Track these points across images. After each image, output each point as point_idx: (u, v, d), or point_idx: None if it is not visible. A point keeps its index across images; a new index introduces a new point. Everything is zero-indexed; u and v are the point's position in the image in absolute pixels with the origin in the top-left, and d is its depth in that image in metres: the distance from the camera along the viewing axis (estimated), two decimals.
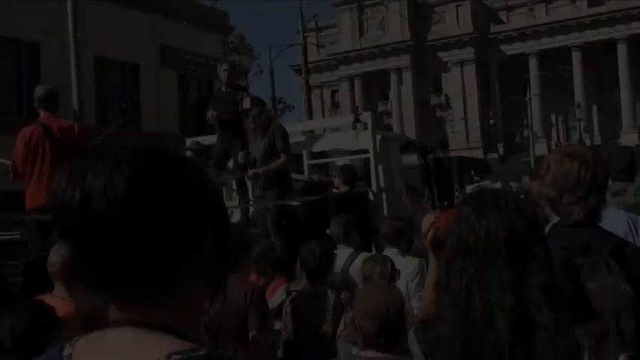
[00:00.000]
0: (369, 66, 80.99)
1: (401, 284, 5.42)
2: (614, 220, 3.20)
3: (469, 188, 38.62)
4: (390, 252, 6.00)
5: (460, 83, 78.27)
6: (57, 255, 4.13)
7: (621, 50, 72.30)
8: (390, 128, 66.63)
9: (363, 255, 6.02)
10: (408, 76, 79.42)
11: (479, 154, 73.71)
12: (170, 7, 27.30)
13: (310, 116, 26.61)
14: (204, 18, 29.32)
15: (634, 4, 71.69)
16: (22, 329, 3.27)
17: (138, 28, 25.57)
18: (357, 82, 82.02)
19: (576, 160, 2.69)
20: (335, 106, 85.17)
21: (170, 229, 1.11)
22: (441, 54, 79.06)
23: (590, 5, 74.96)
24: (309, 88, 25.89)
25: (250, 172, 8.01)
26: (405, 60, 79.02)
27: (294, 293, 5.13)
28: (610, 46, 72.75)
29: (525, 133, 56.42)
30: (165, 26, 26.95)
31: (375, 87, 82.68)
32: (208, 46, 29.22)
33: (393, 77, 79.94)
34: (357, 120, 10.13)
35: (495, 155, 75.97)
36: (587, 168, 2.67)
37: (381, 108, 79.13)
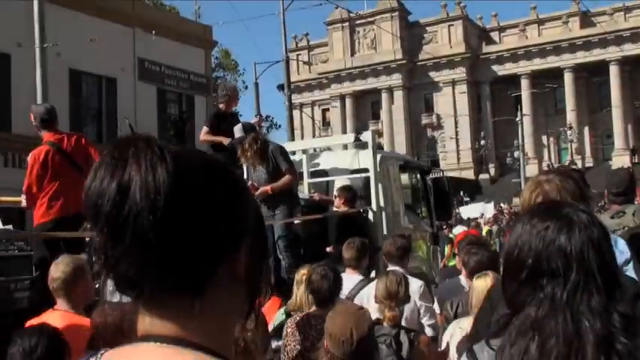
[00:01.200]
0: (361, 85, 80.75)
1: (410, 304, 5.50)
2: None
3: (462, 209, 38.32)
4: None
5: (452, 103, 77.98)
6: (58, 271, 4.20)
7: (613, 71, 72.16)
8: (380, 147, 66.01)
9: (371, 285, 5.78)
10: (399, 95, 79.11)
11: (470, 174, 73.52)
12: (150, 21, 26.71)
13: (292, 134, 25.95)
14: (186, 32, 28.73)
15: (626, 26, 71.75)
16: (40, 353, 3.29)
17: (116, 41, 24.94)
18: (348, 101, 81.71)
19: (538, 190, 2.67)
20: (326, 124, 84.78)
21: (208, 228, 1.06)
22: (432, 73, 78.83)
23: (582, 27, 74.98)
24: (291, 105, 25.24)
25: (259, 190, 7.80)
26: (396, 79, 78.76)
27: (298, 315, 5.08)
28: (602, 67, 72.62)
29: (516, 154, 55.78)
30: (144, 40, 26.33)
31: (366, 106, 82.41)
32: (190, 61, 28.62)
33: (385, 96, 79.62)
34: (357, 139, 10.19)
35: (486, 176, 75.65)
36: (538, 194, 2.64)
37: (372, 127, 78.50)
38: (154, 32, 23.11)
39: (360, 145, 10.20)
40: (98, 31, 23.96)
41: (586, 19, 75.14)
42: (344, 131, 77.55)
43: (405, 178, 11.65)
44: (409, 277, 5.86)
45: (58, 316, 4.03)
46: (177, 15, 35.14)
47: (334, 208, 9.09)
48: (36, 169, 6.83)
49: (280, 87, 25.93)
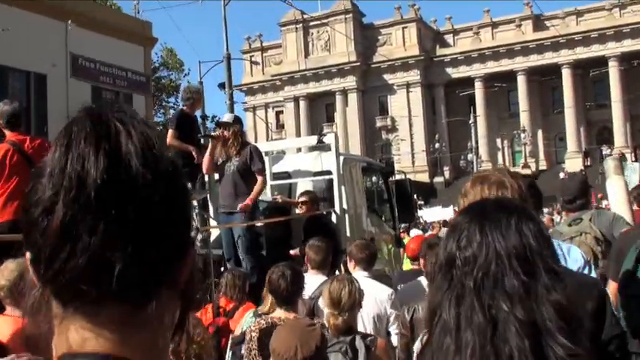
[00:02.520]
0: (315, 87, 79.87)
1: (375, 309, 5.51)
2: (571, 259, 3.02)
3: (424, 212, 37.80)
4: (360, 275, 5.89)
5: (406, 105, 77.52)
6: (3, 278, 4.09)
7: (565, 75, 72.45)
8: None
9: None
10: (353, 97, 78.38)
11: (425, 177, 73.13)
12: (85, 15, 25.33)
13: None
14: (124, 28, 27.42)
15: (577, 29, 72.16)
16: None
17: (46, 36, 23.53)
18: (302, 103, 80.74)
19: (477, 182, 2.56)
20: (280, 127, 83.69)
21: (171, 229, 0.95)
22: (386, 76, 78.29)
23: (535, 30, 75.22)
24: (232, 104, 24.14)
25: (241, 205, 7.90)
26: (350, 81, 78.03)
27: (263, 319, 4.91)
28: (554, 70, 72.89)
29: (470, 156, 55.46)
30: (78, 35, 24.94)
31: (321, 108, 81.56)
32: (129, 58, 27.31)
33: (339, 98, 78.83)
34: (320, 141, 10.17)
35: (441, 179, 75.35)
36: (490, 184, 2.51)
37: (326, 130, 77.59)
38: (69, 22, 21.67)
39: (322, 147, 10.26)
40: (26, 24, 22.58)
41: (539, 23, 75.36)
42: (298, 134, 76.73)
43: (367, 180, 11.81)
44: (376, 283, 6.04)
45: (7, 322, 3.95)
46: (114, 10, 33.74)
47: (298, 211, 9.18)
48: None
49: (221, 85, 24.76)
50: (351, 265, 6.41)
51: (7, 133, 6.94)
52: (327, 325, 4.54)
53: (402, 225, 15.24)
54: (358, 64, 76.97)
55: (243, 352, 4.92)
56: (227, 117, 8.74)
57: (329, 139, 10.04)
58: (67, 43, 24.67)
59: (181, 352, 3.33)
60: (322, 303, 4.95)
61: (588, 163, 67.01)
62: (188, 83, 43.88)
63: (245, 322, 5.37)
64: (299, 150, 12.40)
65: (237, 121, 8.61)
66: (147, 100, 28.44)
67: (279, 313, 4.91)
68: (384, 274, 9.25)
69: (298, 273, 5.08)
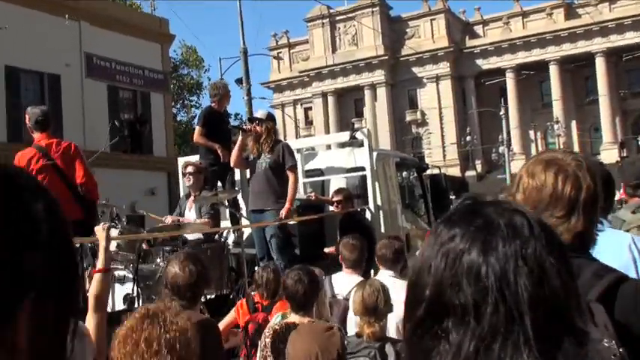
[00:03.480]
0: (343, 82, 79.02)
1: (397, 311, 4.95)
2: (610, 247, 2.47)
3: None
4: (385, 274, 5.79)
5: (436, 99, 76.33)
6: None
7: (599, 63, 70.64)
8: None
9: None
10: (382, 91, 77.37)
11: (456, 171, 71.82)
12: (99, 14, 24.93)
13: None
14: (140, 25, 26.95)
15: (611, 17, 70.29)
16: None
17: (60, 36, 23.15)
18: (330, 99, 79.97)
19: (551, 170, 2.21)
20: (309, 123, 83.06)
21: None
22: (415, 69, 77.14)
23: (566, 18, 73.48)
24: (250, 100, 23.47)
25: (284, 212, 7.88)
26: (379, 75, 77.02)
27: (277, 324, 4.78)
28: (588, 59, 71.13)
29: (501, 149, 54.23)
30: (92, 34, 24.55)
31: (349, 103, 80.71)
32: (145, 56, 26.86)
33: (367, 93, 77.87)
34: (353, 137, 10.07)
35: (473, 173, 74.01)
36: (567, 179, 2.18)
37: (355, 125, 77.02)
38: (67, 16, 21.19)
39: (354, 143, 10.25)
40: (38, 24, 22.22)
41: (571, 11, 73.62)
42: (327, 130, 76.05)
43: (401, 175, 11.65)
44: (403, 282, 5.55)
45: None
46: (129, 8, 33.34)
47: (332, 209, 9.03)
48: None
49: (239, 81, 24.15)
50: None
51: (37, 135, 7.04)
52: (360, 332, 4.46)
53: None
54: (386, 57, 75.93)
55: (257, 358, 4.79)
56: (260, 113, 8.59)
57: (361, 134, 9.94)
58: (81, 43, 24.29)
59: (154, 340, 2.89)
60: (353, 309, 4.73)
61: (625, 154, 65.18)
62: (209, 80, 43.63)
63: (274, 323, 5.12)
64: (329, 147, 12.25)
65: (271, 118, 8.48)
66: (165, 98, 27.96)
67: (294, 318, 4.72)
68: None
69: (315, 277, 4.87)
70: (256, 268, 7.69)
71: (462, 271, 1.14)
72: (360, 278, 5.95)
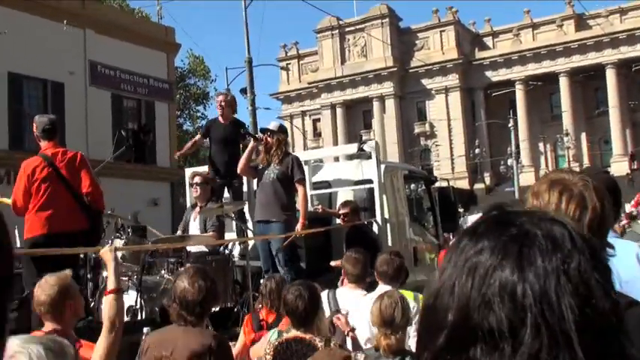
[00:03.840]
0: (352, 93, 78.80)
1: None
2: (618, 257, 1.91)
3: (470, 218, 36.53)
4: (383, 289, 5.60)
5: (445, 111, 75.97)
6: (43, 294, 4.08)
7: (610, 75, 70.19)
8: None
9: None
10: (391, 103, 77.10)
11: (464, 184, 71.35)
12: (104, 21, 24.76)
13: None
14: (146, 34, 26.77)
15: (621, 28, 69.88)
16: None
17: (64, 43, 22.97)
18: (339, 110, 79.75)
19: (556, 189, 2.18)
20: (317, 135, 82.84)
21: None
22: (424, 81, 76.85)
23: (577, 30, 73.12)
24: (254, 110, 23.22)
25: (299, 227, 7.91)
26: (387, 87, 76.77)
27: (277, 340, 4.70)
28: (598, 71, 70.70)
29: (510, 161, 53.76)
30: (97, 42, 24.38)
31: (358, 115, 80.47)
32: (151, 65, 26.66)
33: (376, 105, 77.61)
34: (360, 149, 9.97)
35: (482, 185, 73.51)
36: (571, 198, 2.15)
37: (364, 137, 76.77)
38: (65, 22, 20.98)
39: (362, 155, 10.09)
40: (42, 31, 22.05)
41: (581, 22, 73.19)
42: (335, 141, 75.84)
43: (409, 188, 11.66)
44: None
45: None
46: (134, 16, 33.19)
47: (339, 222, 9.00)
48: (22, 182, 6.85)
49: (243, 91, 23.93)
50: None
51: (43, 143, 7.02)
52: (378, 345, 4.46)
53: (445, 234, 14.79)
54: (395, 69, 75.73)
55: None
56: (273, 125, 8.49)
57: (369, 147, 9.86)
58: (85, 50, 24.11)
59: None
60: (371, 321, 4.70)
61: (635, 167, 64.62)
62: (215, 91, 43.47)
63: (270, 338, 5.03)
64: (336, 159, 12.27)
65: (282, 130, 8.46)
66: (170, 107, 27.73)
67: (295, 334, 4.63)
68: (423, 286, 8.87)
69: (316, 292, 4.77)
70: (261, 280, 7.66)
71: (494, 290, 0.94)
72: (363, 292, 5.96)
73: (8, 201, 7.26)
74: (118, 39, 25.05)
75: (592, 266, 0.96)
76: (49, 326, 4.06)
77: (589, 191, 2.16)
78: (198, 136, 10.14)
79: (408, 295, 5.75)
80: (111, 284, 4.15)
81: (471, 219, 37.38)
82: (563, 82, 72.23)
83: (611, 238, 2.68)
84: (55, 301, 4.03)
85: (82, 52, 23.97)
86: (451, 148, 75.69)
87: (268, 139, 8.15)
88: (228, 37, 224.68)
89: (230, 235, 9.17)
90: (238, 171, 8.59)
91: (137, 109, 26.31)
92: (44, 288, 4.10)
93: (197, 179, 8.63)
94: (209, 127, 9.63)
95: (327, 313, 5.71)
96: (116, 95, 25.22)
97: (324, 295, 5.88)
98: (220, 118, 9.47)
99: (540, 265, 0.94)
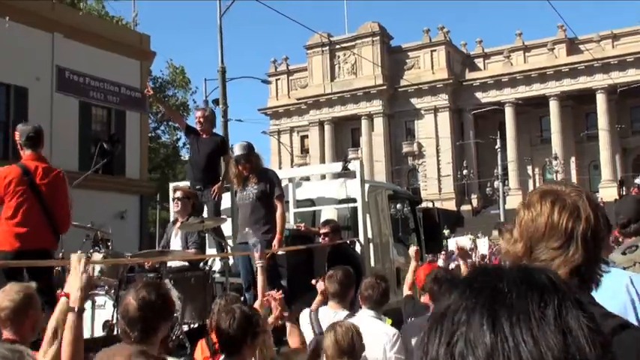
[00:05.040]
0: (340, 111, 78.10)
1: (378, 351, 5.20)
2: (606, 286, 2.20)
3: (451, 241, 35.80)
4: (366, 314, 5.68)
5: (434, 131, 75.28)
6: (5, 299, 3.99)
7: (600, 100, 69.76)
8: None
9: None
10: (379, 122, 76.41)
11: (452, 205, 70.69)
12: (74, 26, 23.83)
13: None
14: (119, 40, 25.85)
15: (613, 53, 69.57)
16: None
17: (29, 47, 22.05)
18: (327, 128, 79.00)
19: (548, 199, 2.11)
20: (305, 151, 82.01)
21: None
22: (414, 100, 76.23)
23: (568, 54, 72.74)
24: (227, 122, 22.30)
25: (275, 242, 7.81)
26: (376, 105, 76.14)
27: None
28: (589, 95, 70.27)
29: (496, 183, 53.03)
30: (66, 47, 23.45)
31: (346, 133, 79.75)
32: (123, 73, 25.71)
33: (365, 123, 76.91)
34: (345, 168, 9.96)
35: (469, 207, 72.81)
36: (564, 208, 2.08)
37: (351, 155, 75.93)
38: (7, 18, 20.02)
39: (347, 174, 10.10)
40: (8, 34, 21.09)
41: (573, 46, 72.80)
42: (322, 158, 75.08)
43: (393, 208, 11.88)
44: (383, 320, 5.78)
45: None
46: (108, 21, 32.28)
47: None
48: None
49: (216, 102, 23.03)
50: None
51: (27, 152, 6.76)
52: None
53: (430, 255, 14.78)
54: (385, 87, 75.15)
55: None
56: (238, 148, 8.24)
57: (354, 166, 9.85)
58: (53, 55, 23.18)
59: None
60: (327, 355, 4.51)
61: (624, 192, 63.92)
62: (195, 103, 42.55)
63: None
64: (323, 177, 12.23)
65: (251, 148, 8.22)
66: (142, 117, 26.78)
67: None
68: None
69: (248, 315, 4.32)
70: (242, 298, 7.76)
71: (480, 354, 0.87)
72: (345, 312, 5.82)
73: None
74: (89, 44, 24.13)
75: (577, 309, 0.89)
76: (6, 334, 3.92)
77: (582, 201, 2.10)
78: (180, 119, 10.05)
79: (389, 321, 5.93)
80: (74, 300, 3.44)
81: (454, 241, 36.70)
82: (554, 106, 71.79)
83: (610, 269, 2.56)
84: (19, 307, 3.92)
85: (49, 57, 23.03)
86: (439, 169, 74.98)
87: (245, 166, 7.99)
88: (212, 49, 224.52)
89: (211, 251, 9.14)
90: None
91: (107, 118, 25.33)
92: (8, 293, 4.00)
93: (178, 194, 8.55)
94: (192, 131, 9.46)
95: (309, 333, 5.65)
96: (84, 103, 24.25)
97: (305, 314, 5.94)
98: (201, 133, 9.34)
99: (536, 327, 0.86)
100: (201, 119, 9.28)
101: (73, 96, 23.75)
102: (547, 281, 0.91)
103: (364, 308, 5.81)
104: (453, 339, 0.87)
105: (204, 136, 9.28)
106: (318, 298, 6.29)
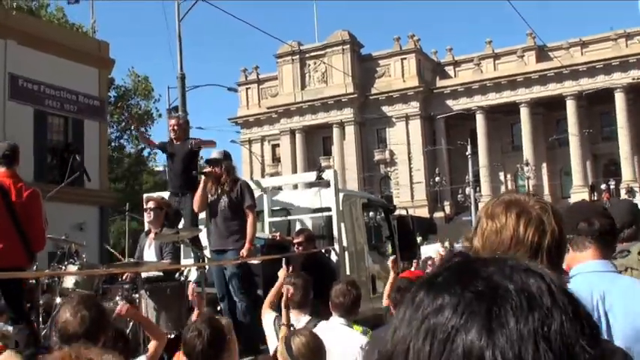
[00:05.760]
0: (311, 119, 77.70)
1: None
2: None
3: (423, 249, 35.50)
4: (337, 322, 5.62)
5: (405, 138, 75.08)
6: None
7: (570, 106, 70.10)
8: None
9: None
10: (351, 130, 76.09)
11: (424, 212, 70.42)
12: (29, 33, 23.09)
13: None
14: (76, 47, 25.13)
15: (582, 60, 69.97)
16: None
17: None
18: (298, 136, 78.49)
19: (513, 211, 2.09)
20: (276, 160, 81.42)
21: None
22: (385, 108, 76.02)
23: (538, 61, 73.01)
24: (187, 124, 21.58)
25: (244, 251, 7.89)
26: (347, 113, 75.82)
27: None
28: (559, 102, 70.54)
29: (467, 190, 52.86)
30: (20, 54, 22.69)
31: (317, 141, 79.30)
32: (81, 80, 24.98)
33: (336, 131, 76.53)
34: (319, 177, 10.11)
35: (442, 214, 72.63)
36: (530, 221, 2.06)
37: (323, 163, 75.50)
38: None
39: (322, 183, 10.26)
40: None
41: (542, 54, 72.98)
42: (294, 167, 74.55)
43: (368, 216, 12.01)
44: (353, 329, 5.69)
45: None
46: (64, 28, 31.53)
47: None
48: None
49: (175, 109, 22.40)
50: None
51: (1, 170, 6.79)
52: None
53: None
54: (356, 95, 74.87)
55: None
56: (216, 153, 8.48)
57: (328, 175, 9.99)
58: (5, 62, 22.40)
59: None
60: (280, 357, 4.49)
61: (595, 198, 64.22)
62: (157, 111, 41.79)
63: None
64: (295, 186, 12.51)
65: (227, 156, 8.44)
66: (101, 126, 26.05)
67: None
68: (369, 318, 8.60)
69: (219, 331, 4.25)
70: (218, 308, 8.03)
71: (457, 358, 0.79)
72: (307, 318, 5.79)
73: None
74: (44, 52, 23.39)
75: (577, 329, 0.79)
76: None
77: (547, 215, 2.09)
78: (155, 142, 10.43)
79: (357, 329, 5.81)
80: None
81: (427, 249, 36.28)
82: (524, 113, 72.01)
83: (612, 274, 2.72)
84: None
85: (1, 64, 22.26)
86: (411, 176, 74.75)
87: (216, 169, 8.16)
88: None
89: (186, 261, 9.26)
90: (196, 209, 8.56)
91: (64, 127, 24.56)
92: None
93: (150, 204, 8.65)
94: (165, 146, 9.64)
95: (274, 339, 5.62)
96: (40, 111, 23.47)
97: (269, 320, 5.96)
98: (174, 140, 9.43)
99: (514, 328, 0.78)
100: (176, 127, 9.37)
101: (27, 104, 22.98)
102: (546, 291, 0.80)
103: (335, 316, 5.72)
104: (447, 346, 0.78)
105: (177, 142, 9.35)
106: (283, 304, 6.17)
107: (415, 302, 0.85)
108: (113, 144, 40.79)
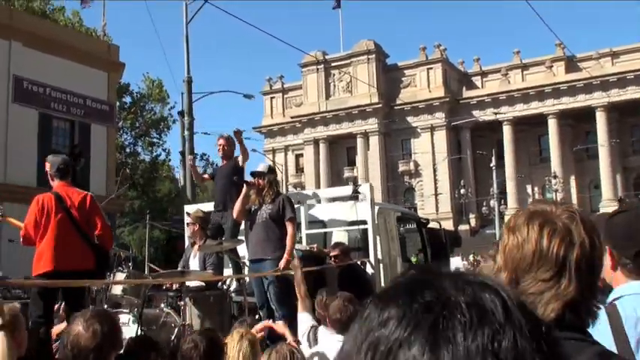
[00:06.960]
0: (335, 129, 76.86)
1: None
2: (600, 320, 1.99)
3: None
4: (334, 339, 5.52)
5: (430, 149, 73.90)
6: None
7: (600, 118, 68.43)
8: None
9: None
10: (375, 140, 75.12)
11: (449, 225, 69.14)
12: (34, 34, 22.65)
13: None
14: (85, 50, 24.65)
15: (612, 70, 68.38)
16: None
17: None
18: (322, 146, 77.70)
19: (535, 222, 1.87)
20: (299, 170, 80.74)
21: None
22: (410, 118, 74.96)
23: (567, 72, 71.54)
24: (192, 135, 20.97)
25: (282, 263, 8.01)
26: (372, 124, 74.88)
27: None
28: (588, 113, 68.97)
29: (492, 202, 51.62)
30: (25, 56, 22.25)
31: (341, 151, 78.42)
32: (89, 84, 24.50)
33: (360, 141, 75.62)
34: (355, 191, 10.31)
35: (467, 227, 71.32)
36: (554, 232, 1.84)
37: (346, 174, 74.81)
38: None
39: (357, 196, 10.32)
40: None
41: (571, 64, 71.58)
42: (317, 177, 73.77)
43: (402, 229, 12.06)
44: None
45: None
46: (72, 30, 31.11)
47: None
48: (33, 216, 6.95)
49: (181, 113, 21.76)
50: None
51: (56, 182, 7.19)
52: None
53: None
54: (380, 105, 73.93)
55: None
56: (262, 167, 8.89)
57: (364, 189, 10.20)
58: (9, 64, 21.96)
59: None
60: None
61: None
62: (171, 117, 41.21)
63: None
64: (331, 200, 12.53)
65: (272, 170, 8.89)
66: (109, 131, 25.50)
67: None
68: None
69: (216, 344, 4.42)
70: (257, 317, 8.27)
71: None
72: (338, 336, 5.62)
73: (18, 223, 7.38)
74: (50, 54, 22.99)
75: (532, 347, 0.75)
76: None
77: (575, 224, 1.86)
78: (206, 176, 11.24)
79: None
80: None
81: (453, 262, 35.32)
82: (552, 124, 70.48)
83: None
84: (6, 327, 3.68)
85: (5, 66, 21.81)
86: (436, 188, 73.51)
87: (260, 181, 8.49)
88: (193, 63, 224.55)
89: (227, 272, 9.62)
90: (235, 216, 8.85)
91: (70, 131, 24.06)
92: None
93: (188, 219, 9.49)
94: (214, 174, 10.38)
95: (307, 351, 5.51)
96: (45, 115, 23.01)
97: (304, 330, 6.04)
98: (222, 160, 10.11)
99: (461, 343, 0.73)
100: (225, 147, 9.91)
101: (31, 107, 22.50)
102: (499, 304, 0.76)
103: (333, 334, 5.68)
104: (358, 335, 0.78)
105: (224, 162, 10.03)
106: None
107: (363, 316, 0.81)
108: (128, 150, 40.30)
